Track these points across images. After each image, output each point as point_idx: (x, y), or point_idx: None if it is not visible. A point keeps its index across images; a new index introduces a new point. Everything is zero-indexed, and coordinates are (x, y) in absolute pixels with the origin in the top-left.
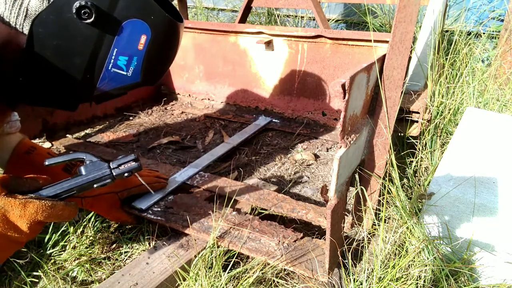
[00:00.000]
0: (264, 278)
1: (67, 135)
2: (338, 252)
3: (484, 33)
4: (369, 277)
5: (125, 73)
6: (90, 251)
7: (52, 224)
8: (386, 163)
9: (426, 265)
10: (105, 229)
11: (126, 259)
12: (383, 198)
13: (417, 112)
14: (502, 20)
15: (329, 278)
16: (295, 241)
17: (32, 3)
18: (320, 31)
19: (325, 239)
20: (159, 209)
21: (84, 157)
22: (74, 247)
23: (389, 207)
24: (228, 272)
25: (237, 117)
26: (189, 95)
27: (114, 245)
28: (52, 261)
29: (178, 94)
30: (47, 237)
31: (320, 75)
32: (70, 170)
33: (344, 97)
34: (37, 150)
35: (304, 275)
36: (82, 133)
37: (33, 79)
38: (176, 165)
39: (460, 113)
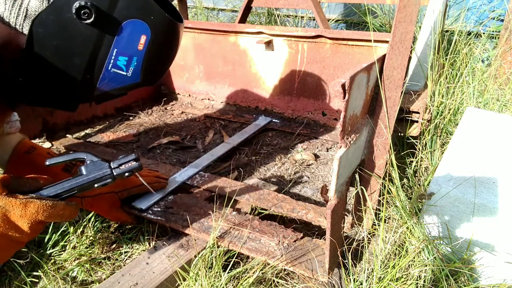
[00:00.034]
0: (264, 278)
1: (67, 135)
2: (338, 252)
3: (484, 33)
4: (369, 277)
5: (125, 73)
6: (90, 251)
7: (52, 224)
8: (386, 163)
9: (426, 265)
10: (105, 229)
11: (126, 259)
12: (383, 198)
13: (417, 112)
14: (502, 20)
15: (329, 278)
16: (295, 241)
17: (32, 3)
18: (320, 31)
19: (325, 239)
20: (159, 209)
21: (85, 157)
22: (74, 247)
23: (389, 207)
24: (228, 272)
25: (237, 117)
26: (189, 95)
27: (114, 245)
28: (52, 261)
29: (178, 94)
30: (47, 237)
31: (320, 75)
32: (70, 170)
33: (344, 97)
34: (37, 150)
35: (304, 275)
36: (82, 133)
37: (33, 79)
38: (176, 165)
39: (460, 113)
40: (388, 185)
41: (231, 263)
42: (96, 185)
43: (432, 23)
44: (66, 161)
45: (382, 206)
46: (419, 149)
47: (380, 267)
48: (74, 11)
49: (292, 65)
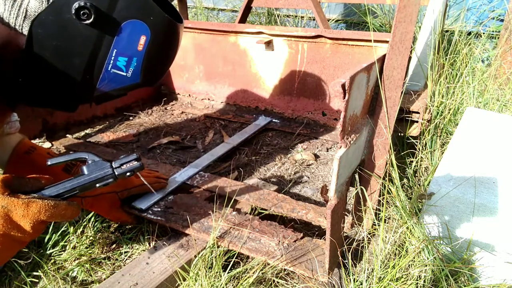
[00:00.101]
0: (264, 278)
1: (67, 135)
2: (338, 252)
3: (484, 33)
4: (369, 277)
5: (124, 74)
6: (90, 251)
7: (52, 224)
8: (386, 163)
9: (426, 265)
10: (105, 229)
11: (126, 259)
12: (383, 198)
13: (417, 112)
14: (502, 20)
15: (329, 278)
16: (295, 241)
17: (31, 3)
18: (320, 31)
19: (325, 239)
20: (159, 209)
21: (86, 157)
22: (74, 247)
23: (389, 207)
24: (228, 272)
25: (237, 117)
26: (189, 95)
27: (114, 245)
28: (52, 261)
29: (178, 94)
30: (47, 237)
31: (320, 75)
32: (70, 170)
33: (344, 97)
34: (37, 150)
35: (304, 275)
36: (82, 133)
37: (33, 80)
38: (176, 165)
39: (460, 113)
40: (388, 185)
41: (231, 263)
42: (97, 185)
43: (432, 23)
44: (67, 160)
45: (382, 206)
46: (419, 149)
47: (380, 267)
48: (73, 12)
49: (292, 65)
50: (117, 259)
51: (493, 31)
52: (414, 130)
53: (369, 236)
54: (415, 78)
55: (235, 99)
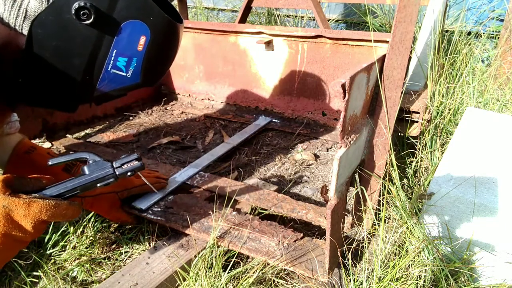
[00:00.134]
0: (264, 278)
1: (67, 135)
2: (338, 252)
3: (484, 33)
4: (369, 277)
5: (124, 74)
6: (90, 251)
7: (52, 224)
8: (386, 163)
9: (426, 265)
10: (105, 229)
11: (126, 259)
12: (383, 198)
13: (417, 112)
14: (502, 20)
15: (329, 278)
16: (295, 241)
17: (31, 4)
18: (320, 31)
19: (325, 239)
20: (159, 209)
21: (87, 157)
22: (74, 247)
23: (389, 207)
24: (228, 272)
25: (237, 117)
26: (189, 95)
27: (114, 245)
28: (52, 261)
29: (178, 94)
30: (47, 237)
31: (320, 75)
32: (70, 170)
33: (344, 97)
34: (37, 150)
35: (304, 275)
36: (82, 133)
37: (33, 80)
38: (176, 165)
39: (460, 113)
40: (388, 185)
41: (231, 263)
42: (98, 185)
43: (432, 23)
44: (68, 160)
45: (382, 206)
46: (419, 149)
47: (380, 267)
48: (73, 12)
49: (292, 65)
50: (117, 259)
51: (493, 31)
52: (414, 130)
53: (369, 236)
54: (415, 78)
55: (235, 99)
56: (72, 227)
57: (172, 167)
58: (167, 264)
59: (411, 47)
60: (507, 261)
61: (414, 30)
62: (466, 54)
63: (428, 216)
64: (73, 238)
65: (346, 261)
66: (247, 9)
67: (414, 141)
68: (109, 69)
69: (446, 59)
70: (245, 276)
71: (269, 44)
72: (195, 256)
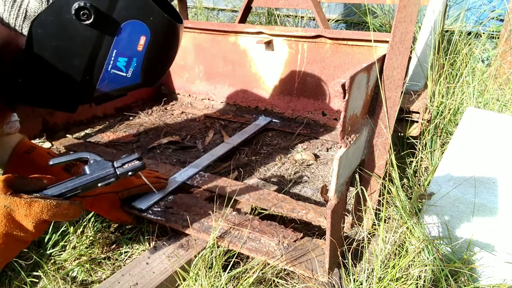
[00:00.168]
0: (264, 278)
1: (67, 135)
2: (338, 252)
3: (484, 33)
4: (369, 277)
5: (124, 74)
6: (90, 251)
7: (52, 224)
8: (386, 163)
9: (426, 265)
10: (105, 229)
11: (126, 259)
12: (383, 198)
13: (417, 112)
14: (502, 20)
15: (329, 278)
16: (295, 241)
17: (31, 4)
18: (320, 31)
19: (325, 239)
20: (159, 209)
21: (88, 157)
22: (74, 247)
23: (389, 207)
24: (228, 272)
25: (237, 117)
26: (189, 95)
27: (114, 245)
28: (52, 261)
29: (178, 94)
30: (47, 237)
31: (320, 75)
32: (70, 170)
33: (344, 97)
34: (37, 150)
35: (304, 275)
36: (82, 133)
37: (33, 80)
38: (176, 165)
39: (460, 113)
40: (388, 185)
41: (231, 263)
42: (99, 185)
43: (432, 23)
44: (69, 160)
45: (382, 206)
46: (419, 149)
47: (380, 267)
48: (73, 12)
49: (292, 65)
50: (117, 259)
51: (493, 31)
52: (414, 130)
53: (369, 236)
54: (415, 78)
55: (235, 99)
56: (72, 227)
57: (172, 167)
58: (167, 264)
59: (411, 47)
60: (507, 261)
61: (414, 30)
62: (466, 54)
63: (428, 216)
64: (73, 238)
65: (346, 261)
66: (247, 9)
67: (414, 141)
68: (109, 69)
69: (446, 59)
70: (245, 276)
71: (269, 44)
72: (195, 256)
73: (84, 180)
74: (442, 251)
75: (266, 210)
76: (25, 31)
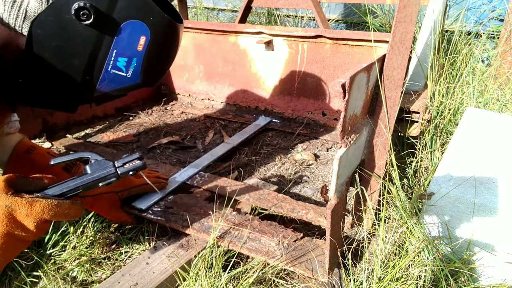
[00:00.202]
0: (264, 278)
1: (67, 135)
2: (338, 252)
3: (484, 33)
4: (369, 277)
5: (124, 74)
6: (90, 251)
7: (52, 224)
8: (386, 163)
9: (426, 265)
10: (105, 229)
11: (126, 259)
12: (383, 198)
13: (417, 112)
14: (502, 20)
15: (329, 278)
16: (295, 241)
17: (31, 4)
18: (320, 31)
19: (325, 239)
20: (159, 209)
21: (89, 156)
22: (74, 247)
23: (389, 207)
24: (228, 272)
25: (237, 117)
26: (189, 95)
27: (114, 245)
28: (52, 261)
29: (178, 94)
30: (47, 237)
31: (320, 75)
32: (70, 170)
33: (344, 97)
34: (37, 149)
35: (304, 275)
36: (82, 133)
37: (33, 80)
38: (176, 165)
39: (460, 113)
40: (388, 185)
41: (231, 263)
42: (100, 184)
43: (432, 23)
44: (70, 160)
45: (382, 206)
46: (419, 149)
47: (380, 267)
48: (73, 12)
49: (292, 65)
50: (117, 259)
51: (493, 31)
52: (414, 130)
53: (369, 236)
54: (415, 78)
55: (235, 99)
56: (72, 227)
57: (172, 167)
58: (167, 264)
59: (411, 47)
60: (507, 261)
61: (414, 30)
62: (466, 54)
63: (428, 216)
64: (73, 238)
65: (346, 261)
66: (247, 9)
67: (414, 141)
68: (109, 69)
69: (446, 59)
70: (245, 276)
71: (269, 44)
72: (195, 256)
73: (85, 179)
74: (442, 251)
75: (266, 210)
76: (25, 31)
